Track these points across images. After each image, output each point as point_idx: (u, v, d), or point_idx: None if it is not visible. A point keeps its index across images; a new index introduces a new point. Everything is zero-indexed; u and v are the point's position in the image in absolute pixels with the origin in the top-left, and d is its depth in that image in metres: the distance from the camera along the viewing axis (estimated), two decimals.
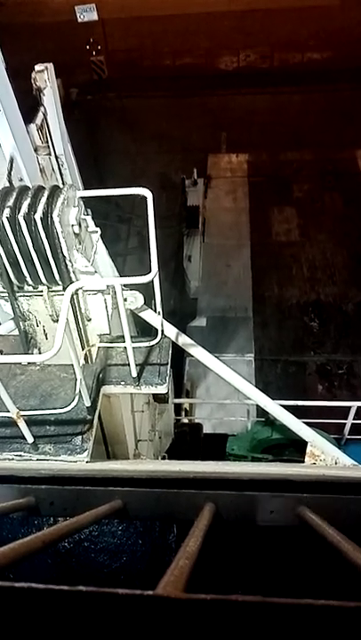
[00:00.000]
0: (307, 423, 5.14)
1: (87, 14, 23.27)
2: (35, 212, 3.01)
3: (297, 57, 24.58)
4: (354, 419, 7.52)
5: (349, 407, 7.44)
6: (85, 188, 5.35)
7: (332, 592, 1.40)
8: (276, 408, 4.95)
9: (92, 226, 3.76)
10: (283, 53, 24.51)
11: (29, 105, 4.98)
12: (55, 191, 3.14)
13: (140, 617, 0.58)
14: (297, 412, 5.31)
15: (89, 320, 3.74)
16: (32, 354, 3.80)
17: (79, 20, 23.30)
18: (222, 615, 0.58)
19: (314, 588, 1.50)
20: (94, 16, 23.32)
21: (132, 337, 3.31)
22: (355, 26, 23.38)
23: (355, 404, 7.36)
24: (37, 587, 0.52)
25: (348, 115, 21.05)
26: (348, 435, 7.87)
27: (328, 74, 23.23)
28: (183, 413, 10.18)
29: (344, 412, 7.59)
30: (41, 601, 0.55)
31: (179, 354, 6.14)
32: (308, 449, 5.11)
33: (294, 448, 7.09)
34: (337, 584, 1.36)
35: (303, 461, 5.25)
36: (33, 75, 4.88)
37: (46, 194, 3.10)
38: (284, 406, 5.04)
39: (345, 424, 7.69)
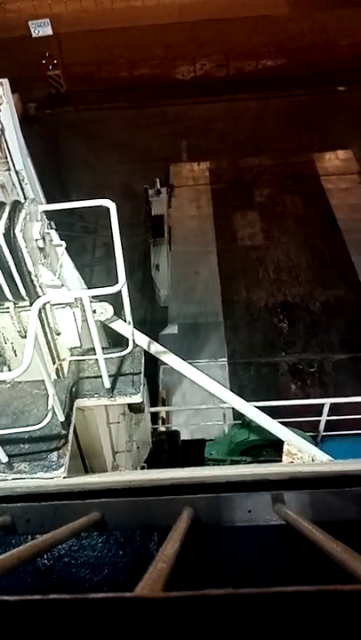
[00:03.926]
0: (282, 423, 5.19)
1: (42, 29, 23.21)
2: None
3: (252, 64, 25.11)
4: (328, 415, 7.64)
5: (323, 404, 7.56)
6: (48, 202, 5.33)
7: (310, 582, 1.43)
8: (251, 410, 4.99)
9: (56, 239, 3.74)
10: (238, 61, 25.00)
11: None
12: (17, 206, 3.12)
13: (117, 620, 0.59)
14: (272, 412, 5.36)
15: (58, 334, 3.71)
16: (1, 371, 3.74)
17: (34, 35, 23.21)
18: (197, 610, 0.59)
19: (293, 581, 1.52)
20: (49, 31, 23.28)
21: (103, 348, 3.29)
22: (306, 33, 24.13)
23: (328, 401, 7.48)
24: (8, 599, 0.52)
25: (304, 119, 21.63)
26: (324, 431, 7.99)
27: (283, 80, 23.84)
28: (160, 422, 10.15)
29: (318, 410, 7.71)
30: (15, 613, 0.55)
31: (152, 362, 6.13)
32: (285, 448, 5.16)
33: (272, 448, 7.15)
34: (315, 575, 1.39)
35: (281, 461, 5.30)
36: None
37: (7, 209, 3.08)
38: (259, 407, 5.08)
39: (320, 421, 7.80)
